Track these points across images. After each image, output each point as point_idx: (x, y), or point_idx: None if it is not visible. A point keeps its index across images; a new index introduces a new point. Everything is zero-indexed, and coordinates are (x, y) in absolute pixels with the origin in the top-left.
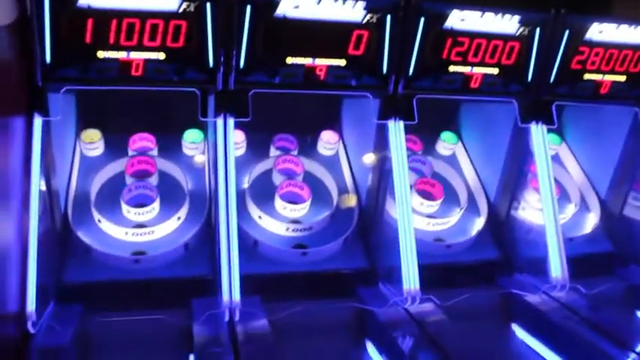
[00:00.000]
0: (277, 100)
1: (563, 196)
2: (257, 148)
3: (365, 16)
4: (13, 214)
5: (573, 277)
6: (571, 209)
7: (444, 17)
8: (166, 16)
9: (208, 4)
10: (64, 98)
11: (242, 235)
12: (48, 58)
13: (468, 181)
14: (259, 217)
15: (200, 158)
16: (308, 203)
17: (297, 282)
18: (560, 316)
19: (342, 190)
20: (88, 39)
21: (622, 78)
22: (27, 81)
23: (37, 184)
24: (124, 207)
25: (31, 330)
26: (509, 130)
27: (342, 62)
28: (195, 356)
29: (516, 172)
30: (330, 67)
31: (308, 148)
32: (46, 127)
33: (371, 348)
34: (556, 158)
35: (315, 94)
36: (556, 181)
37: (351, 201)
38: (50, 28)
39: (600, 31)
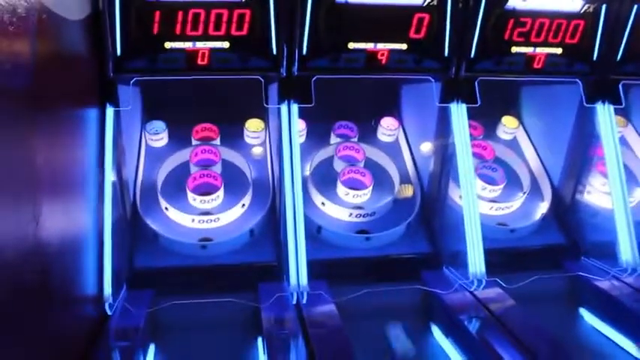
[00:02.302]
0: (337, 87)
1: (629, 178)
2: (318, 136)
3: None
4: (90, 203)
5: None
6: (638, 193)
7: None
8: (230, 5)
9: None
10: (132, 90)
11: (306, 222)
12: (118, 51)
13: (531, 166)
14: (322, 203)
15: (258, 149)
16: (370, 189)
17: (362, 267)
18: (631, 300)
19: (404, 176)
20: (155, 31)
21: None
22: (99, 73)
23: (111, 173)
24: (190, 195)
25: (109, 312)
26: (573, 111)
27: (404, 46)
28: (264, 339)
29: (581, 155)
30: (391, 51)
31: (368, 134)
32: (117, 119)
33: (437, 331)
34: (622, 140)
35: (375, 80)
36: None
37: (409, 191)
38: (120, 21)
39: None
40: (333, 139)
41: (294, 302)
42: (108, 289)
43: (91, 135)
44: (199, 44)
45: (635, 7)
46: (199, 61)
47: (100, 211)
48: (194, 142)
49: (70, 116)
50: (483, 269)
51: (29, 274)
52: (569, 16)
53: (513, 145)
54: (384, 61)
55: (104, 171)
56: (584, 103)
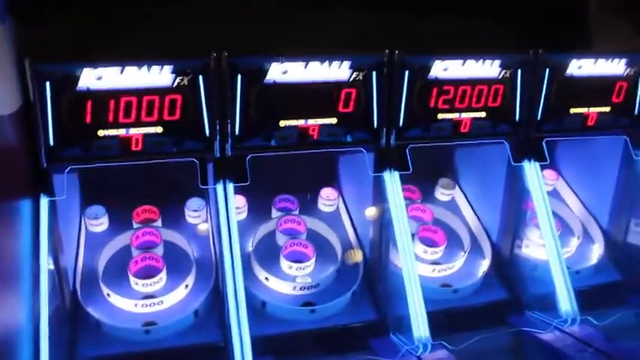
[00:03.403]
0: (275, 162)
1: (565, 230)
2: (259, 211)
3: (351, 75)
4: (24, 295)
5: (584, 310)
6: (575, 242)
7: (428, 68)
8: (162, 91)
9: (201, 77)
10: (68, 178)
11: (250, 298)
12: (51, 141)
13: (470, 225)
14: (266, 278)
15: (204, 226)
16: (313, 261)
17: (308, 340)
18: (575, 350)
19: (346, 245)
20: (88, 119)
21: (607, 109)
22: (32, 164)
23: (46, 264)
24: (132, 279)
25: None
26: (503, 170)
27: (334, 120)
28: None
29: (515, 210)
30: (322, 126)
31: (309, 206)
32: (52, 207)
33: None
34: (554, 193)
35: (312, 153)
36: (556, 215)
37: (357, 256)
38: (52, 111)
39: (579, 67)
40: (275, 213)
41: None
42: None
43: (25, 225)
44: (132, 130)
45: (548, 69)
46: (133, 147)
47: (36, 303)
48: (135, 225)
49: (1, 208)
50: (427, 333)
51: None
52: (489, 82)
53: (452, 206)
54: (315, 136)
55: (39, 261)
56: (512, 162)
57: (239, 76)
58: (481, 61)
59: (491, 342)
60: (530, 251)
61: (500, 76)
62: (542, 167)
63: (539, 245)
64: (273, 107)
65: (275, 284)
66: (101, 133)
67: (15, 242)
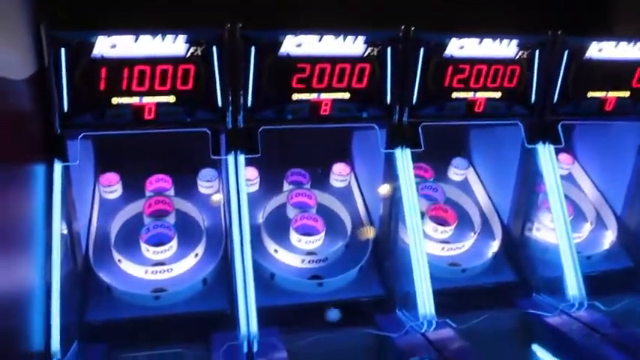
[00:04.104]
0: (288, 135)
1: (578, 214)
2: (271, 183)
3: (366, 50)
4: (37, 258)
5: (593, 295)
6: (587, 227)
7: (443, 46)
8: (175, 61)
9: (214, 48)
10: (82, 144)
11: (259, 269)
12: (65, 107)
13: (481, 205)
14: (275, 250)
15: (217, 197)
16: (322, 235)
17: (315, 312)
18: (581, 335)
19: (356, 221)
20: (102, 87)
21: (626, 94)
22: (46, 129)
23: (59, 228)
24: (143, 246)
25: None
26: (517, 152)
27: (347, 95)
28: None
29: (528, 193)
30: (334, 101)
31: (320, 180)
32: (66, 173)
33: None
34: (569, 178)
35: (325, 128)
36: (570, 200)
37: (370, 233)
38: (67, 78)
39: (600, 50)
40: (286, 187)
41: (246, 350)
42: (56, 344)
43: (39, 190)
44: (146, 99)
45: (567, 51)
46: (146, 116)
47: (48, 265)
48: (147, 194)
49: (16, 172)
50: (433, 310)
51: None
52: (506, 62)
53: (464, 186)
54: (327, 111)
55: (52, 226)
56: (526, 144)
57: (253, 48)
58: (498, 40)
59: (496, 322)
60: (541, 234)
61: (517, 57)
62: (558, 151)
63: (550, 229)
64: (286, 80)
65: (284, 256)
66: (114, 100)
67: (29, 206)
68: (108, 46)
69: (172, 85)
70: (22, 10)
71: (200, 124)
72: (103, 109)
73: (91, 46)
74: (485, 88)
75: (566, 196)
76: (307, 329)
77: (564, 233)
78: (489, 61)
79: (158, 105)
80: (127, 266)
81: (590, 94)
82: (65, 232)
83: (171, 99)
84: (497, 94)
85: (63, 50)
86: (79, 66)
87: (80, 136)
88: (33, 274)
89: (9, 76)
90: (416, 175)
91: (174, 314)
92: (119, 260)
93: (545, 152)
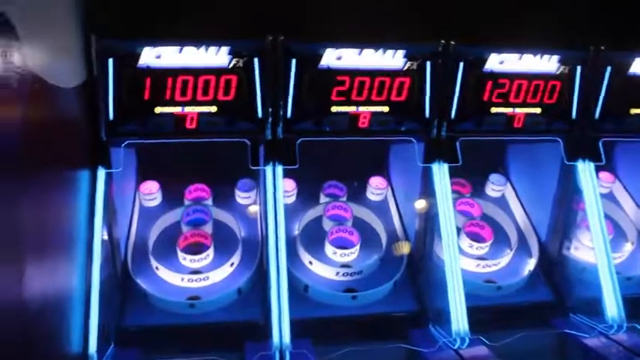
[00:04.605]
0: (326, 148)
1: (618, 234)
2: (307, 195)
3: (405, 64)
4: (78, 262)
5: (633, 318)
6: (628, 248)
7: (483, 61)
8: (218, 71)
9: (256, 59)
10: (125, 152)
11: (293, 280)
12: (111, 115)
13: (518, 222)
14: (310, 262)
15: (253, 208)
16: (357, 248)
17: (348, 325)
18: (619, 358)
19: (391, 235)
20: (146, 96)
21: None
22: (91, 136)
23: (100, 233)
24: (180, 254)
25: None
26: (556, 168)
27: (385, 108)
28: None
29: (566, 211)
30: (373, 114)
31: (357, 194)
32: (109, 180)
33: None
34: (610, 196)
35: (362, 141)
36: (611, 219)
37: (406, 248)
38: (113, 87)
39: None
40: (323, 199)
41: None
42: (93, 347)
43: (82, 195)
44: (188, 109)
45: (609, 67)
46: (188, 125)
47: (89, 269)
48: (186, 202)
49: (61, 177)
50: (467, 327)
51: (10, 334)
52: (546, 77)
53: (501, 202)
54: (366, 124)
55: (94, 230)
56: (565, 161)
57: (294, 60)
58: (539, 55)
59: (531, 342)
60: (579, 253)
61: (558, 72)
62: (599, 169)
63: (589, 248)
64: (325, 92)
65: (319, 268)
66: (158, 110)
67: (72, 210)
68: (153, 56)
69: (214, 96)
70: (73, 20)
71: (240, 134)
72: (147, 118)
73: (137, 56)
74: (525, 104)
75: (606, 215)
76: (339, 342)
77: (604, 253)
78: (529, 76)
79: (200, 115)
80: (164, 273)
81: (633, 111)
82: (106, 237)
83: (213, 109)
84: (537, 110)
85: (111, 60)
86: (126, 76)
87: (123, 145)
88: (74, 277)
89: (59, 84)
90: (453, 191)
91: (209, 322)
92: (157, 267)
93: (585, 170)
